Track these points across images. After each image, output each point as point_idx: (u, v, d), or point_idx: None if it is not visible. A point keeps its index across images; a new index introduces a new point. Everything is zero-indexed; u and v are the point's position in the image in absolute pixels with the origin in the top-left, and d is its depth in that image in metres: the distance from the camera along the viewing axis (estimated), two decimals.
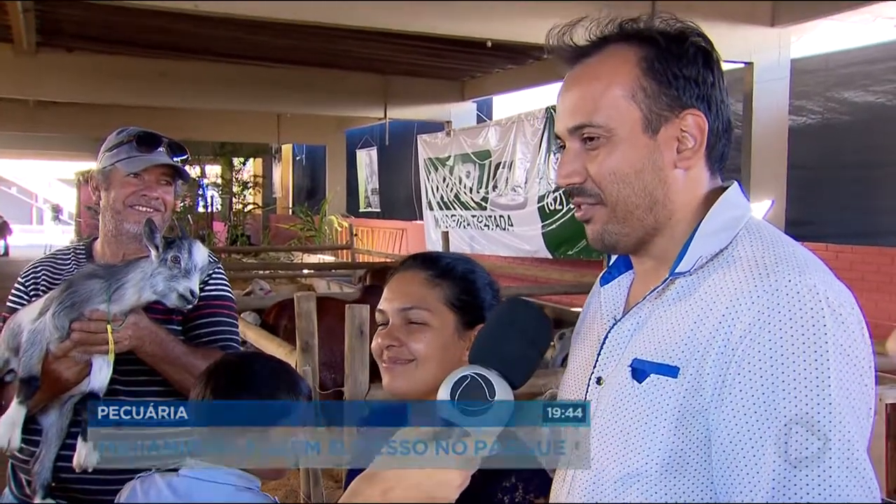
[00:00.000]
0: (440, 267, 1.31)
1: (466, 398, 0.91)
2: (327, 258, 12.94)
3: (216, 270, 1.96)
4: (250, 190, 18.90)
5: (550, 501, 1.10)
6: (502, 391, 0.92)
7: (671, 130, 1.01)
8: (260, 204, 19.35)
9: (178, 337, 1.85)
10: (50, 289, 1.85)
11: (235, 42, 9.71)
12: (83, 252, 2.00)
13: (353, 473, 1.42)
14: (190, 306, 1.73)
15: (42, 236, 24.63)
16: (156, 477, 1.55)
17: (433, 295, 1.28)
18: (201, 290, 1.88)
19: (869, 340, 0.92)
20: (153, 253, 1.69)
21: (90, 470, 1.67)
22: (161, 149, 1.91)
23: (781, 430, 0.87)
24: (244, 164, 19.10)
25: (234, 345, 1.93)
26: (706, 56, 1.02)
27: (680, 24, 1.03)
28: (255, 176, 19.42)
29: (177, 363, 1.76)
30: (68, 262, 1.98)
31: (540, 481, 1.20)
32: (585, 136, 1.02)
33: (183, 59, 10.81)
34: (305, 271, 10.88)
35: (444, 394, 0.92)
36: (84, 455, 1.67)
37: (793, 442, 0.86)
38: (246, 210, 18.74)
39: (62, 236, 22.92)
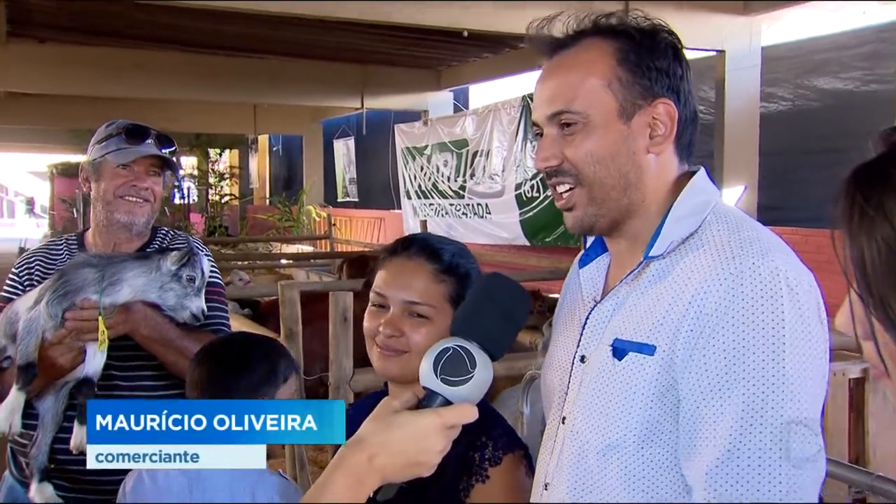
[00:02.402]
0: (445, 262, 1.33)
1: (448, 369, 0.96)
2: (306, 248, 12.94)
3: (207, 258, 2.03)
4: (227, 181, 18.80)
5: (538, 471, 1.17)
6: (482, 362, 0.98)
7: (644, 118, 1.08)
8: (237, 195, 19.24)
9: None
10: (44, 279, 1.90)
11: (211, 33, 9.66)
12: (75, 242, 2.05)
13: None
14: (199, 323, 1.79)
15: (14, 230, 24.29)
16: None
17: (438, 290, 1.31)
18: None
19: (825, 317, 0.99)
20: (168, 267, 1.75)
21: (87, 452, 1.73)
22: (149, 140, 1.96)
23: (740, 401, 0.94)
24: (220, 154, 18.97)
25: (225, 329, 2.00)
26: (675, 51, 1.10)
27: (650, 21, 1.10)
28: (231, 167, 19.31)
29: (171, 345, 1.82)
30: (61, 252, 2.03)
31: (508, 439, 1.27)
32: (563, 122, 1.09)
33: (158, 49, 10.72)
34: (284, 261, 10.88)
35: (427, 365, 0.98)
36: (80, 438, 1.72)
37: (751, 411, 0.93)
38: (223, 201, 18.64)
39: (37, 230, 22.63)
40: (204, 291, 1.79)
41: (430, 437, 0.93)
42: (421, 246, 1.35)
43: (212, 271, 2.04)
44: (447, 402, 0.96)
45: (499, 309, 1.03)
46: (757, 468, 0.92)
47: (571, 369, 1.13)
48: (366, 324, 1.35)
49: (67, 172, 19.24)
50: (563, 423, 1.12)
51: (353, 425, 1.49)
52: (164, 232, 2.08)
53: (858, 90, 7.31)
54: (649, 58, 1.08)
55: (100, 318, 1.72)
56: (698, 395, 0.97)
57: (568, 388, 1.13)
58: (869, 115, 7.02)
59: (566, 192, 1.11)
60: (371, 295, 1.35)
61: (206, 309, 1.78)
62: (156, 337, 1.81)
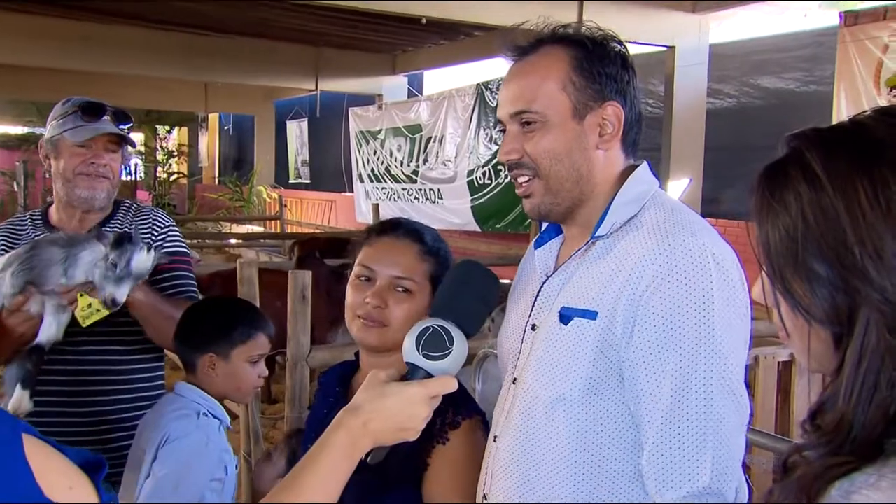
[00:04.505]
0: (426, 243, 1.45)
1: (429, 345, 1.08)
2: (256, 228, 12.88)
3: (171, 227, 2.10)
4: (176, 159, 18.51)
5: (492, 428, 1.30)
6: (458, 339, 1.09)
7: (595, 118, 1.22)
8: (185, 173, 18.96)
9: None
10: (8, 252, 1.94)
11: (164, 8, 9.50)
12: (40, 218, 2.09)
13: (310, 421, 1.59)
14: (108, 312, 1.80)
15: None
16: None
17: (422, 269, 1.43)
18: (161, 246, 2.02)
19: (746, 288, 1.14)
20: (101, 247, 1.78)
21: (22, 416, 1.78)
22: (105, 117, 2.01)
23: (677, 361, 1.08)
24: (169, 132, 18.66)
25: (195, 295, 2.07)
26: (623, 59, 1.24)
27: (601, 31, 1.25)
28: (180, 145, 19.01)
29: (156, 308, 1.90)
30: (25, 227, 2.07)
31: (466, 406, 1.40)
32: (524, 120, 1.22)
33: (108, 22, 10.47)
34: (234, 241, 10.84)
35: (409, 342, 1.09)
36: (19, 401, 1.79)
37: (686, 370, 1.08)
38: (171, 179, 18.35)
39: None
40: (128, 283, 1.78)
41: (416, 406, 1.05)
42: (407, 228, 1.48)
43: (179, 241, 2.11)
44: (428, 375, 1.07)
45: (472, 292, 1.16)
46: (694, 426, 1.07)
47: (523, 336, 1.27)
48: (350, 297, 1.45)
49: (7, 144, 18.65)
50: (515, 383, 1.26)
51: (324, 389, 1.60)
52: (126, 205, 2.13)
53: (799, 90, 7.62)
54: (600, 65, 1.22)
55: (81, 295, 1.77)
56: (639, 358, 1.11)
57: (519, 353, 1.27)
58: (808, 115, 7.32)
59: (525, 181, 1.25)
60: (357, 269, 1.46)
61: (118, 300, 1.76)
62: (147, 302, 1.88)
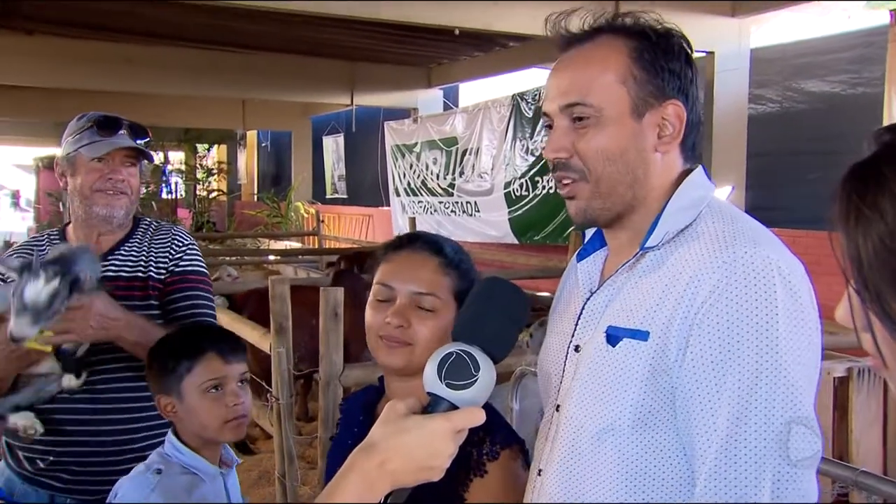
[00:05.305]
0: (447, 255, 1.35)
1: (452, 373, 0.95)
2: (294, 244, 12.93)
3: (190, 245, 2.02)
4: (215, 176, 18.72)
5: (534, 459, 1.19)
6: (485, 365, 0.97)
7: (654, 117, 1.10)
8: (224, 190, 19.17)
9: (154, 319, 1.89)
10: None
11: (201, 28, 9.61)
12: (57, 237, 2.04)
13: (333, 452, 1.50)
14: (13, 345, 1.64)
15: None
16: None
17: (444, 284, 1.33)
18: (177, 265, 1.95)
19: (816, 305, 1.02)
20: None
21: (76, 388, 1.77)
22: (122, 131, 1.95)
23: (735, 385, 0.96)
24: (208, 150, 18.89)
25: (212, 318, 1.99)
26: (687, 55, 1.13)
27: (662, 24, 1.13)
28: (219, 162, 19.23)
29: (140, 344, 1.78)
30: (43, 247, 2.02)
31: (505, 434, 1.29)
32: (576, 115, 1.10)
33: (147, 44, 10.65)
34: (272, 257, 10.86)
35: (430, 370, 0.97)
36: (69, 379, 1.76)
37: (744, 398, 0.96)
38: (210, 196, 18.56)
39: (21, 223, 22.43)
40: (25, 317, 1.58)
41: (440, 442, 0.93)
42: (425, 241, 1.38)
43: (197, 260, 2.04)
44: (453, 407, 0.95)
45: (498, 312, 1.03)
46: (751, 460, 0.95)
47: (566, 359, 1.16)
48: (370, 319, 1.35)
49: (53, 166, 19.10)
50: (558, 410, 1.15)
51: (347, 417, 1.51)
52: (147, 222, 2.07)
53: (846, 93, 7.37)
54: (663, 59, 1.11)
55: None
56: (692, 382, 0.99)
57: (562, 377, 1.16)
58: (856, 118, 7.07)
59: (570, 182, 1.13)
60: (375, 288, 1.36)
61: (15, 335, 1.60)
62: (144, 343, 1.76)
